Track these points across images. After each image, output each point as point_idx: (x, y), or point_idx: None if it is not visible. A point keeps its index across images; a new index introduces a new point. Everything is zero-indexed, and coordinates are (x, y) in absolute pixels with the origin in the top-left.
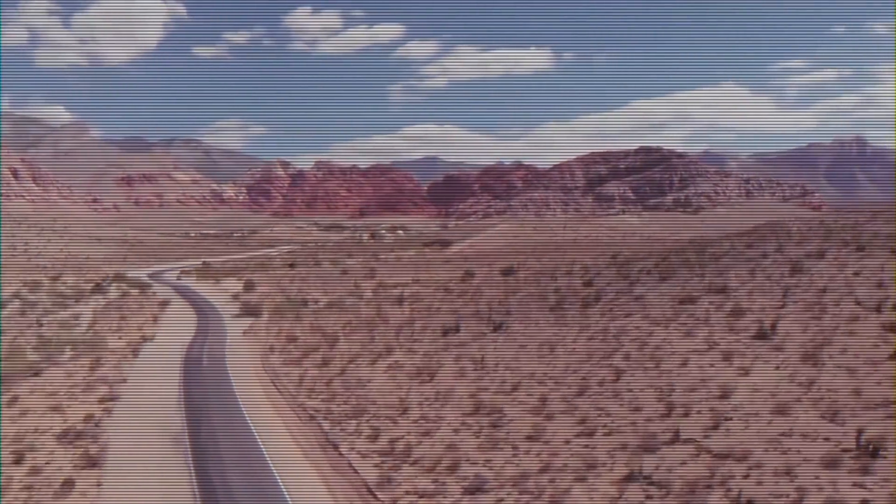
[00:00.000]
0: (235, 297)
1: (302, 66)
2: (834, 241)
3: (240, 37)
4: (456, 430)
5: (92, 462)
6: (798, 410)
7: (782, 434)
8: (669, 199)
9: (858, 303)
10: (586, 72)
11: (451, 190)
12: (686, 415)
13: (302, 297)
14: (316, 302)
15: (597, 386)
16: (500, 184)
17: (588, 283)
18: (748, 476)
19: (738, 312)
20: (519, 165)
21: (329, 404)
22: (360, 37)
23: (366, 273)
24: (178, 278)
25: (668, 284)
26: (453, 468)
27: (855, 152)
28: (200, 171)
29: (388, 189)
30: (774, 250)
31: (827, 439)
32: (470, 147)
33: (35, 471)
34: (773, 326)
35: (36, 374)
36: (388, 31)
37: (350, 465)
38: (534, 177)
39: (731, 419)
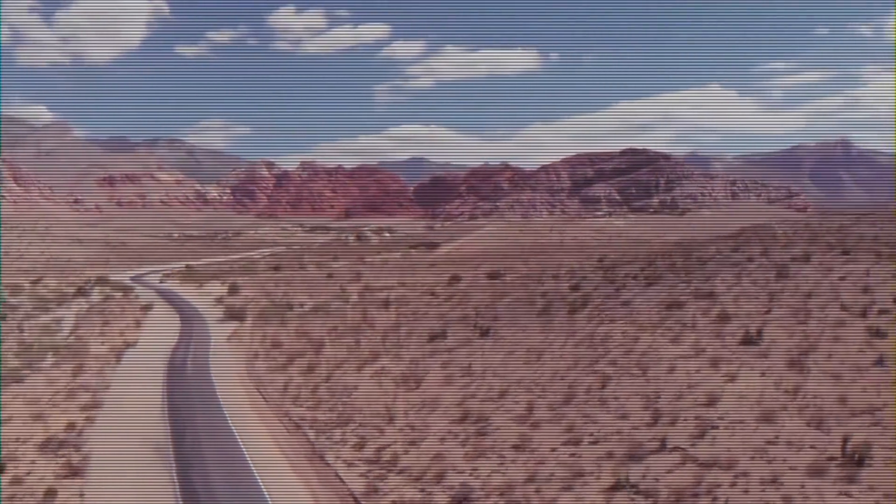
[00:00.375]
0: (219, 300)
1: (286, 66)
2: (819, 245)
3: (223, 36)
4: (442, 439)
5: (74, 472)
6: (784, 418)
7: (768, 442)
8: (655, 200)
9: (844, 308)
10: (572, 72)
11: (437, 191)
12: (672, 422)
13: (287, 301)
14: (301, 306)
15: (583, 393)
16: (487, 185)
17: (575, 288)
18: (734, 485)
19: (724, 318)
20: (505, 167)
21: (315, 412)
22: (345, 36)
23: (352, 276)
24: (162, 281)
25: (655, 289)
26: (440, 477)
27: (840, 154)
28: (184, 172)
29: (373, 190)
30: (760, 254)
31: (813, 447)
32: (456, 148)
33: (17, 481)
34: (759, 332)
35: (17, 381)
36: (373, 31)
37: (336, 474)
38: (520, 178)
39: (717, 427)
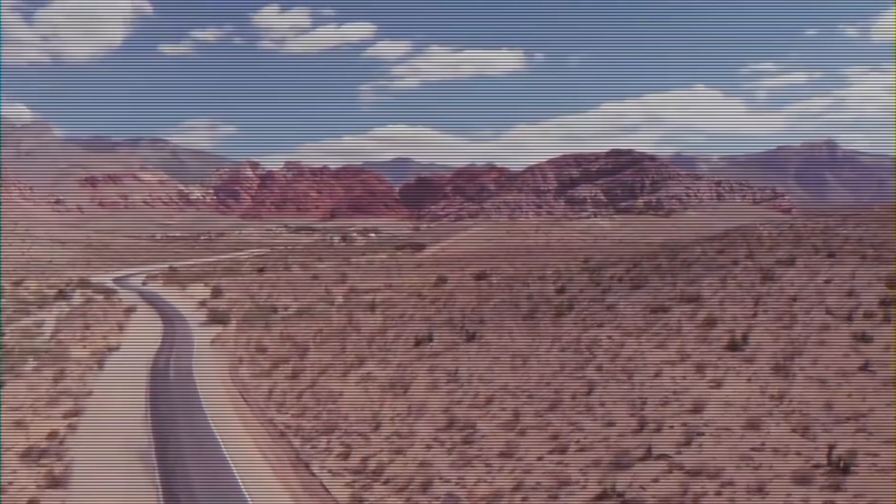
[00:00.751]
0: (203, 303)
1: (271, 65)
2: (804, 247)
3: (207, 34)
4: (428, 447)
5: (56, 482)
6: (769, 424)
7: (753, 449)
8: (641, 201)
9: (829, 312)
10: (558, 73)
11: (423, 192)
12: (658, 430)
13: (271, 304)
14: (286, 308)
15: (569, 399)
16: (473, 186)
17: (561, 290)
18: (720, 493)
19: (710, 322)
20: (491, 167)
21: (300, 419)
22: (330, 36)
23: (337, 278)
24: (144, 283)
25: (641, 293)
26: (426, 486)
27: (825, 155)
28: (167, 172)
29: (359, 191)
30: (745, 257)
31: (798, 454)
32: (442, 148)
33: None
34: (745, 337)
35: None
36: (358, 31)
37: (322, 484)
38: (506, 179)
39: (703, 434)
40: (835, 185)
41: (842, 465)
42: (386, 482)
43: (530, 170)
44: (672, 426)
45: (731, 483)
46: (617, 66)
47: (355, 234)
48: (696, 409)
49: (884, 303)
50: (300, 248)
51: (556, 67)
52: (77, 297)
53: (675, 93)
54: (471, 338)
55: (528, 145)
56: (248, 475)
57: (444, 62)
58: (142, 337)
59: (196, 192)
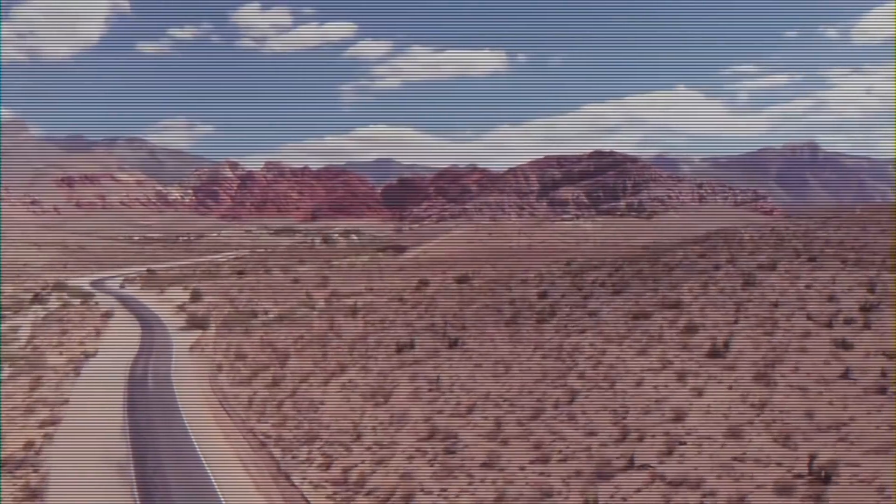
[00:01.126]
0: (181, 307)
1: (251, 64)
2: (786, 251)
3: (186, 33)
4: (410, 458)
5: (33, 494)
6: (751, 433)
7: (735, 459)
8: (623, 203)
9: (810, 318)
10: (540, 74)
11: (405, 193)
12: (640, 439)
13: (251, 309)
14: (266, 313)
15: (552, 408)
16: (455, 187)
17: (543, 295)
18: None
19: (691, 329)
20: (474, 169)
21: (280, 429)
22: (311, 35)
23: (318, 281)
24: (122, 287)
25: (622, 298)
26: (408, 498)
27: (806, 156)
28: (145, 172)
29: (341, 191)
30: (727, 261)
31: (779, 464)
32: (424, 149)
33: None
34: (726, 344)
35: None
36: (339, 30)
37: (303, 496)
38: (489, 180)
39: (685, 443)
40: (816, 186)
41: (823, 475)
42: (368, 494)
43: (512, 171)
44: (654, 435)
45: (712, 494)
46: (599, 67)
47: (337, 236)
48: (678, 417)
49: (864, 308)
50: (281, 250)
51: (537, 68)
52: (53, 301)
53: (656, 94)
54: (453, 344)
55: (510, 146)
56: (229, 488)
57: (425, 62)
58: (119, 342)
59: (174, 193)
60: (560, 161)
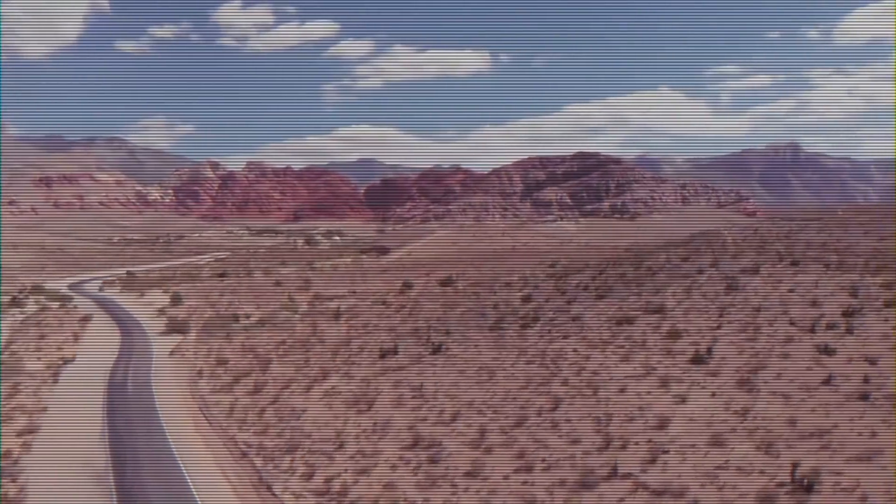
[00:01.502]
0: (162, 311)
1: (232, 63)
2: (769, 254)
3: (165, 31)
4: (394, 466)
5: None
6: (734, 441)
7: (718, 467)
8: (606, 205)
9: (793, 323)
10: (523, 74)
11: (388, 193)
12: (624, 447)
13: (232, 313)
14: (247, 317)
15: (535, 415)
16: (439, 188)
17: (527, 299)
18: None
19: (674, 334)
20: (457, 169)
21: (262, 437)
22: (292, 34)
23: (300, 284)
24: (101, 289)
25: (605, 303)
26: None
27: (789, 157)
28: (124, 172)
29: (323, 192)
30: (710, 265)
31: (762, 472)
32: (407, 149)
33: None
34: (709, 350)
35: None
36: (321, 29)
37: None
38: (472, 181)
39: (668, 451)
40: (798, 187)
41: (806, 483)
42: None
43: (496, 172)
44: (637, 443)
45: (695, 503)
46: (581, 68)
47: (319, 237)
48: (661, 425)
49: (846, 313)
50: (263, 252)
51: (521, 68)
52: (31, 305)
53: (639, 94)
54: (436, 350)
55: (494, 147)
56: (210, 499)
57: (408, 62)
58: (98, 348)
59: (154, 193)
60: (543, 162)
